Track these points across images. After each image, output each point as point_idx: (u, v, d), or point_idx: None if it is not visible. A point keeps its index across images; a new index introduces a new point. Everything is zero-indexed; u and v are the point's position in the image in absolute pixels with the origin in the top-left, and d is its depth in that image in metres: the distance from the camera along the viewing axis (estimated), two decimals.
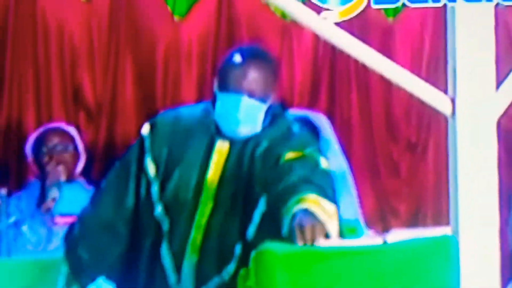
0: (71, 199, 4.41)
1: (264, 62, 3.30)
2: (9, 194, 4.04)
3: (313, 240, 2.93)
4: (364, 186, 5.08)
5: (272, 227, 3.11)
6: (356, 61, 3.67)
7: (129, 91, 5.03)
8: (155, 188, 3.30)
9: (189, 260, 3.26)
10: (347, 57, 3.73)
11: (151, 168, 3.31)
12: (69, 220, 4.36)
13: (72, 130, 4.63)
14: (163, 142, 3.33)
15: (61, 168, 4.47)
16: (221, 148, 3.31)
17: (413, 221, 5.33)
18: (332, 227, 3.03)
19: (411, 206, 5.41)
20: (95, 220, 3.35)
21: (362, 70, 5.08)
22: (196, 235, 3.26)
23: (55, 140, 4.54)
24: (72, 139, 4.59)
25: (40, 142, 4.55)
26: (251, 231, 3.24)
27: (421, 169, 5.42)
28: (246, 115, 3.27)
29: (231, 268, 3.19)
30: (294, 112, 4.45)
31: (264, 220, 3.23)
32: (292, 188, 3.09)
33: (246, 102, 3.26)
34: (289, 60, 5.13)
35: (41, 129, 4.62)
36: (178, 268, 3.27)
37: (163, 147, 3.32)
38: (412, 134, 5.47)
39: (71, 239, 3.37)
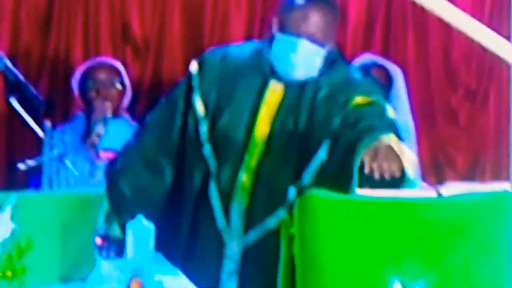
0: (116, 134, 4.37)
1: (326, 5, 3.23)
2: (54, 126, 4.00)
3: (388, 173, 2.84)
4: (419, 134, 4.96)
5: (331, 176, 3.07)
6: (413, 3, 3.58)
7: (176, 28, 5.00)
8: (203, 127, 3.25)
9: (238, 203, 3.22)
10: None
11: (199, 106, 3.26)
12: (113, 155, 4.37)
13: (119, 65, 4.59)
14: (213, 81, 3.28)
15: (107, 103, 4.44)
16: (275, 89, 3.25)
17: (470, 174, 5.15)
18: (410, 171, 2.94)
19: (469, 157, 5.21)
20: (138, 155, 3.31)
21: (420, 12, 4.96)
22: (245, 177, 3.21)
23: (102, 75, 4.50)
24: (119, 74, 4.55)
25: (87, 76, 4.51)
26: (306, 177, 3.18)
27: (481, 119, 5.23)
28: (304, 58, 3.21)
29: (282, 213, 3.11)
30: (370, 58, 4.77)
31: (323, 168, 3.15)
32: (370, 128, 3.01)
33: (305, 45, 3.20)
34: (342, 2, 4.99)
35: (88, 63, 4.59)
36: (225, 211, 3.22)
37: (213, 86, 3.27)
38: (472, 81, 5.28)
39: (112, 173, 3.34)
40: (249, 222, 3.20)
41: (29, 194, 3.42)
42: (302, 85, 3.22)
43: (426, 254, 2.70)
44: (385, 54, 5.05)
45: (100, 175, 4.32)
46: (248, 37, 4.91)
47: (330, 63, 3.25)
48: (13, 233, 3.15)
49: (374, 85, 3.34)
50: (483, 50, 3.26)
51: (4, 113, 4.65)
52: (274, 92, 3.23)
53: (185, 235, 3.29)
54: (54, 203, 3.26)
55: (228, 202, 3.21)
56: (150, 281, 3.08)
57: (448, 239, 2.71)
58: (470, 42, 3.33)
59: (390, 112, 3.20)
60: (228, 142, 3.21)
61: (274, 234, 3.03)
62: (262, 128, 3.22)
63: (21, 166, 3.87)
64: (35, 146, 4.04)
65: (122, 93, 4.52)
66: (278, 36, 3.21)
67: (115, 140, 4.37)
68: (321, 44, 3.19)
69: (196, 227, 3.27)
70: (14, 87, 3.91)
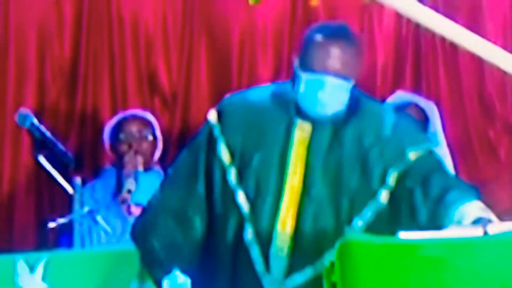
0: (148, 188, 4.21)
1: (347, 39, 3.12)
2: (84, 183, 3.89)
3: None
4: (459, 171, 4.78)
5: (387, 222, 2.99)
6: (442, 39, 3.44)
7: (203, 76, 4.91)
8: (232, 175, 3.11)
9: (278, 248, 3.06)
10: (433, 35, 3.48)
11: (225, 155, 3.14)
12: None
13: (150, 117, 4.49)
14: (236, 127, 3.16)
15: (139, 158, 4.33)
16: (303, 128, 3.12)
17: None
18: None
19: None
20: (164, 209, 3.18)
21: (450, 48, 4.82)
22: (284, 219, 3.06)
23: (134, 127, 4.40)
24: (150, 126, 4.44)
25: (118, 129, 4.41)
26: (357, 223, 3.04)
27: None
28: (332, 95, 3.09)
29: (327, 258, 2.91)
30: (402, 95, 4.66)
31: (379, 214, 3.05)
32: (452, 196, 2.97)
33: (331, 81, 3.08)
34: (370, 41, 4.90)
35: (119, 116, 4.50)
36: (265, 256, 3.07)
37: (237, 132, 3.15)
38: (509, 113, 5.07)
39: (140, 230, 3.21)
40: (291, 266, 3.05)
41: (60, 254, 3.39)
42: (333, 123, 3.10)
43: None
44: (417, 93, 4.91)
45: None
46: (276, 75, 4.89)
47: (356, 98, 3.15)
48: None
49: (418, 128, 3.29)
50: None
51: (33, 171, 4.58)
52: (303, 131, 3.11)
53: (224, 285, 3.13)
54: (86, 261, 3.21)
55: (267, 248, 3.06)
56: None
57: (496, 281, 2.54)
58: (503, 74, 3.37)
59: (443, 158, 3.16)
60: (261, 187, 3.08)
61: (317, 281, 2.85)
62: (296, 168, 3.10)
63: (52, 224, 3.79)
64: (65, 204, 3.94)
65: (154, 145, 4.41)
66: (303, 75, 3.08)
67: (147, 195, 4.24)
68: (346, 78, 3.08)
69: (234, 276, 3.11)
70: (41, 144, 3.82)
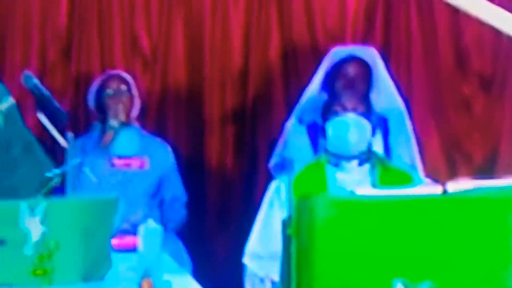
0: (128, 141, 4.47)
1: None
2: (76, 137, 4.00)
3: None
4: (430, 128, 4.57)
5: None
6: None
7: (180, 39, 4.99)
8: None
9: None
10: None
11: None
12: (125, 161, 4.44)
13: (127, 76, 4.61)
14: None
15: (120, 105, 4.48)
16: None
17: (486, 169, 4.56)
18: None
19: (485, 151, 4.58)
20: None
21: None
22: None
23: (114, 84, 4.53)
24: (127, 84, 4.58)
25: (102, 87, 4.55)
26: None
27: (498, 108, 4.58)
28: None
29: None
30: (343, 48, 4.43)
31: None
32: None
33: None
34: None
35: (102, 76, 4.63)
36: None
37: None
38: (486, 68, 4.61)
39: None
40: None
41: (55, 200, 3.46)
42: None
43: (431, 254, 2.40)
44: (387, 43, 4.69)
45: (114, 180, 4.41)
46: (246, 46, 4.90)
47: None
48: (43, 236, 3.22)
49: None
50: (498, 33, 2.82)
51: (35, 128, 4.62)
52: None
53: None
54: (76, 208, 3.33)
55: None
56: (160, 280, 3.15)
57: (454, 238, 2.39)
58: (482, 25, 2.85)
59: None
60: None
61: None
62: None
63: (48, 174, 3.83)
64: (62, 156, 3.97)
65: (132, 102, 4.53)
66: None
67: (127, 148, 4.47)
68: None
69: None
70: (41, 102, 3.91)
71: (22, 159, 3.74)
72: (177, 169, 4.61)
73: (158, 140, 4.63)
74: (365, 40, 4.76)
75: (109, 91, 4.50)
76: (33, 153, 3.96)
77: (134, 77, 4.66)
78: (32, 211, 3.26)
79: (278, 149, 4.45)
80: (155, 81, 4.97)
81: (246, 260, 3.77)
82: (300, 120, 4.33)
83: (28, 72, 4.05)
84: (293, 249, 2.62)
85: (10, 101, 3.94)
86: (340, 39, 4.80)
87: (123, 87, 4.53)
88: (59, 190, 4.10)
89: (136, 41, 4.95)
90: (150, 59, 4.97)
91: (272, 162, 4.47)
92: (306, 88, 4.41)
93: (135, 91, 4.57)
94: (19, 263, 3.20)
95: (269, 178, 4.17)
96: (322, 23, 4.98)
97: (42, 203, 3.28)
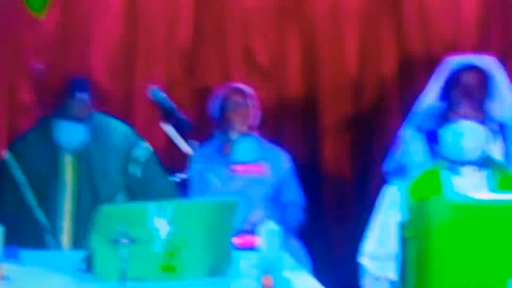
0: (247, 149, 4.58)
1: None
2: (201, 145, 4.21)
3: None
4: None
5: None
6: None
7: (296, 53, 5.06)
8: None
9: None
10: None
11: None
12: (245, 168, 4.55)
13: (247, 89, 4.71)
14: None
15: (241, 119, 4.58)
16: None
17: None
18: None
19: None
20: None
21: None
22: None
23: (236, 98, 4.63)
24: (248, 97, 4.66)
25: (224, 100, 4.66)
26: None
27: None
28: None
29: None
30: (459, 57, 4.39)
31: None
32: None
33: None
34: None
35: (224, 89, 4.72)
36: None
37: None
38: None
39: None
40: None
41: (182, 202, 3.61)
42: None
43: None
44: (505, 50, 4.66)
45: (235, 185, 4.51)
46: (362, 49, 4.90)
47: None
48: (171, 235, 3.37)
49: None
50: None
51: (163, 136, 4.74)
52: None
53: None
54: (200, 209, 3.45)
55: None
56: (279, 277, 3.26)
57: None
58: None
59: None
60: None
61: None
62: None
63: (175, 178, 4.06)
64: (186, 162, 4.20)
65: (252, 113, 4.63)
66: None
67: (246, 155, 4.57)
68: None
69: None
70: (168, 114, 4.10)
71: None
72: (295, 175, 4.71)
73: (276, 147, 4.73)
74: (481, 48, 4.75)
75: (231, 104, 4.61)
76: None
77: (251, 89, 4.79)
78: (160, 212, 3.40)
79: (394, 155, 4.48)
80: (271, 92, 5.08)
81: (363, 260, 3.80)
82: (418, 128, 4.33)
83: (154, 87, 4.26)
84: (410, 250, 2.73)
85: (147, 148, 4.13)
86: (455, 48, 4.80)
87: (244, 100, 4.63)
88: (185, 194, 4.31)
89: (252, 55, 5.05)
90: (267, 72, 5.08)
91: (388, 167, 4.51)
92: (421, 96, 4.42)
93: (255, 103, 4.66)
94: (149, 259, 3.37)
95: (383, 182, 4.20)
96: (436, 32, 5.00)
97: (169, 205, 3.42)
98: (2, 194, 4.10)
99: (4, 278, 3.23)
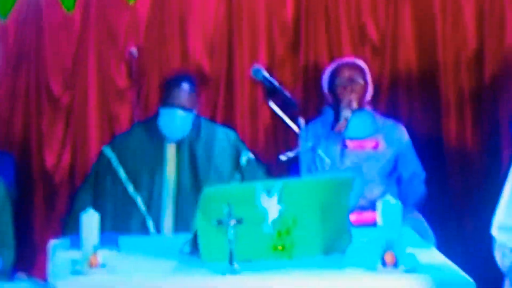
0: (360, 124, 4.43)
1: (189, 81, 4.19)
2: (307, 122, 4.02)
3: None
4: None
5: None
6: None
7: (408, 26, 4.94)
8: (130, 187, 4.16)
9: (166, 226, 4.15)
10: None
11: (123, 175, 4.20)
12: (359, 143, 4.38)
13: (361, 63, 4.58)
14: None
15: (353, 95, 4.44)
16: (171, 148, 4.21)
17: None
18: None
19: None
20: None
21: None
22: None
23: (347, 73, 4.50)
24: (361, 71, 4.53)
25: (334, 75, 4.53)
26: None
27: None
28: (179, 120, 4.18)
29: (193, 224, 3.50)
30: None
31: None
32: None
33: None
34: None
35: (336, 63, 4.61)
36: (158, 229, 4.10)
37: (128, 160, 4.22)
38: None
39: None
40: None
41: (291, 181, 3.48)
42: (188, 142, 4.21)
43: None
44: None
45: (348, 162, 4.36)
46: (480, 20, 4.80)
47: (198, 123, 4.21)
48: (280, 214, 3.24)
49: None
50: None
51: (268, 115, 4.78)
52: (171, 150, 4.16)
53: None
54: (313, 187, 3.33)
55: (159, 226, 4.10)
56: (402, 253, 3.06)
57: None
58: None
59: None
60: (151, 192, 4.10)
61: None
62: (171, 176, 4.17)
63: (282, 157, 3.91)
64: (294, 140, 4.05)
65: (365, 88, 4.49)
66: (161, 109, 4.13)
67: (359, 130, 4.42)
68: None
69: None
70: (272, 93, 3.98)
71: None
72: (414, 148, 4.51)
73: (391, 120, 4.57)
74: None
75: (343, 79, 4.48)
76: None
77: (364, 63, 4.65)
78: (268, 192, 3.28)
79: None
80: (384, 66, 4.93)
81: (495, 231, 3.60)
82: None
83: (257, 66, 4.14)
84: None
85: (251, 158, 4.25)
86: None
87: (357, 75, 4.49)
88: (294, 172, 4.15)
89: (363, 29, 4.94)
90: (379, 45, 4.94)
91: None
92: None
93: (368, 78, 4.54)
94: (259, 240, 3.23)
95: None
96: None
97: (277, 184, 3.29)
98: (104, 189, 4.13)
99: (101, 266, 3.02)
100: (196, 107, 4.23)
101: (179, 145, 4.19)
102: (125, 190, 4.09)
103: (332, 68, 4.56)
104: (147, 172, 4.10)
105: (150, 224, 4.05)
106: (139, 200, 4.08)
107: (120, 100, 4.85)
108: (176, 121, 4.14)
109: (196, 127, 4.21)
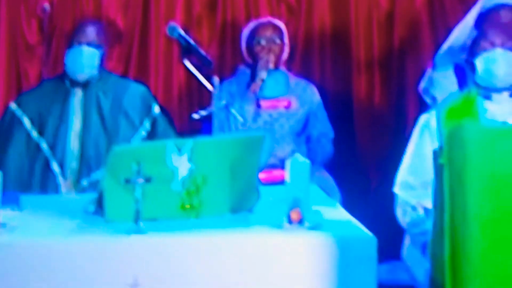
0: (274, 84, 4.42)
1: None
2: (221, 81, 4.00)
3: None
4: None
5: None
6: None
7: None
8: (34, 133, 4.10)
9: (71, 167, 4.08)
10: None
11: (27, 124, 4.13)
12: (272, 103, 4.37)
13: (281, 24, 4.57)
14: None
15: (271, 56, 4.43)
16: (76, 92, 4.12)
17: None
18: None
19: None
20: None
21: None
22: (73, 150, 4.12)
23: (266, 32, 4.48)
24: (279, 31, 4.52)
25: (252, 34, 4.51)
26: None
27: None
28: None
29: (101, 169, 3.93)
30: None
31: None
32: None
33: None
34: None
35: (255, 23, 4.58)
36: (63, 173, 4.03)
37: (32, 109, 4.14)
38: None
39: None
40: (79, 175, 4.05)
41: (202, 139, 3.40)
42: (92, 86, 4.14)
43: None
44: None
45: (261, 121, 4.34)
46: None
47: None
48: (190, 172, 3.19)
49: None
50: None
51: (182, 73, 4.74)
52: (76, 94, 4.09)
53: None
54: (224, 146, 3.28)
55: (64, 169, 4.04)
56: (308, 210, 3.07)
57: None
58: None
59: None
60: (56, 136, 4.06)
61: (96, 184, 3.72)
62: (76, 120, 4.06)
63: (195, 116, 3.88)
64: (208, 99, 3.99)
65: (281, 48, 4.48)
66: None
67: (273, 90, 4.41)
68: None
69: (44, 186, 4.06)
70: (187, 51, 3.92)
71: None
72: (325, 108, 4.53)
73: (303, 81, 4.57)
74: None
75: (261, 39, 4.45)
76: None
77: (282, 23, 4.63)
78: (179, 150, 3.22)
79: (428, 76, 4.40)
80: (299, 27, 4.92)
81: (397, 189, 3.68)
82: (448, 58, 4.25)
83: (172, 23, 4.06)
84: (445, 177, 2.56)
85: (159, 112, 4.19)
86: None
87: (275, 35, 4.47)
88: (207, 130, 4.13)
89: None
90: (295, 6, 4.93)
91: (422, 86, 4.43)
92: (454, 29, 4.35)
93: (286, 39, 4.52)
94: (167, 199, 3.16)
95: (417, 112, 4.10)
96: None
97: (188, 142, 3.23)
98: (8, 142, 4.06)
99: (1, 225, 2.94)
100: (104, 48, 4.11)
101: (85, 90, 4.09)
102: (29, 136, 4.03)
103: (251, 27, 4.53)
104: (52, 117, 4.03)
105: (55, 165, 4.00)
106: (44, 145, 4.03)
107: (29, 57, 4.77)
108: (82, 57, 4.02)
109: (105, 77, 4.13)
